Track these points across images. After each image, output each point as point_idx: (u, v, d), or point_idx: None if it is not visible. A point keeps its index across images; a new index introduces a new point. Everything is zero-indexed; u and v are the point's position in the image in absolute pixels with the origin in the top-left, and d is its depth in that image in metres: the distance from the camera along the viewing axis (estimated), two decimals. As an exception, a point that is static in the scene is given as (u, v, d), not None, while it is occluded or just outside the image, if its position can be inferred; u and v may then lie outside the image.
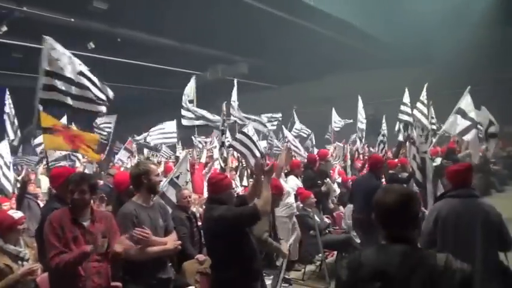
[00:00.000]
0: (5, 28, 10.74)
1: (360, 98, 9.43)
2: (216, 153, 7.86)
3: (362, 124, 9.70)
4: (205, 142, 10.71)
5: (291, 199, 5.65)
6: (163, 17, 12.25)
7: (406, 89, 7.88)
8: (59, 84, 4.61)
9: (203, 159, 8.81)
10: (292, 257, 5.93)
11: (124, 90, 17.95)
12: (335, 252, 5.99)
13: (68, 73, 4.71)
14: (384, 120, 10.79)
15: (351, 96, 9.80)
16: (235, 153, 7.76)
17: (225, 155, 6.90)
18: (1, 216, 3.30)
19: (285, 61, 16.91)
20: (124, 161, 10.28)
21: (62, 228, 2.72)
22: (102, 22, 12.08)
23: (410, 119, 7.45)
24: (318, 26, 13.64)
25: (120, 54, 13.98)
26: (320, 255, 5.44)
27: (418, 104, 7.30)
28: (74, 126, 7.53)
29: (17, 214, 3.25)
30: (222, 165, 6.80)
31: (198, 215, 4.83)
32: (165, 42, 14.21)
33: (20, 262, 3.22)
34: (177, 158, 8.59)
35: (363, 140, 10.14)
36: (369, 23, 14.45)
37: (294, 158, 7.45)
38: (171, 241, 3.15)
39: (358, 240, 5.77)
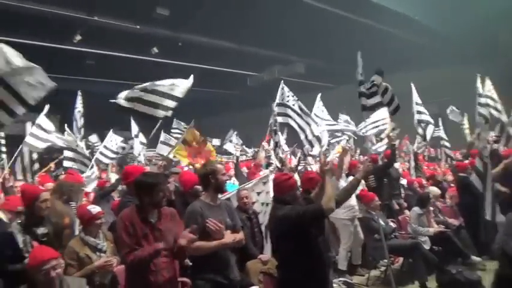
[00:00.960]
0: (79, 37, 11.62)
1: (413, 89, 8.63)
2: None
3: (420, 115, 8.40)
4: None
5: (352, 201, 5.50)
6: (222, 20, 12.54)
7: (487, 80, 7.13)
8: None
9: (260, 158, 8.88)
10: (355, 261, 5.79)
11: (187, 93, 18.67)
12: (401, 258, 5.73)
13: None
14: (440, 119, 10.06)
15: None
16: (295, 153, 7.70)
17: (280, 155, 6.87)
18: (82, 210, 3.56)
19: (344, 60, 16.51)
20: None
21: (132, 226, 2.83)
22: (165, 28, 12.67)
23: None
24: (381, 23, 13.20)
25: (182, 57, 14.52)
26: (385, 260, 5.21)
27: (483, 99, 6.71)
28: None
29: (95, 209, 3.48)
30: (279, 165, 6.79)
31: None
32: (224, 44, 14.55)
33: (98, 253, 3.44)
34: (237, 158, 8.72)
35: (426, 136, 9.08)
36: (431, 18, 13.73)
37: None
38: (230, 235, 3.15)
39: (426, 247, 5.47)
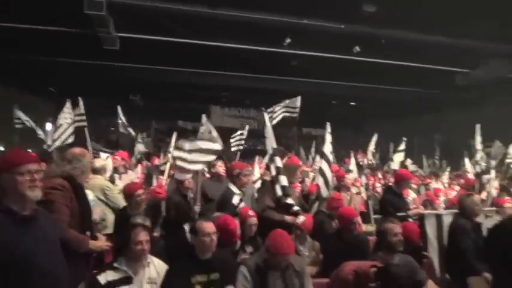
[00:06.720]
0: (288, 40, 12.46)
1: None
2: None
3: None
4: None
5: None
6: (431, 14, 11.36)
7: None
8: None
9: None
10: None
11: (385, 92, 17.92)
12: None
13: None
14: None
15: None
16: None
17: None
18: None
19: None
20: None
21: None
22: (369, 25, 12.26)
23: None
24: None
25: (383, 55, 13.89)
26: None
27: None
28: None
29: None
30: None
31: None
32: (431, 39, 13.11)
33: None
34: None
35: None
36: None
37: None
38: None
39: None
